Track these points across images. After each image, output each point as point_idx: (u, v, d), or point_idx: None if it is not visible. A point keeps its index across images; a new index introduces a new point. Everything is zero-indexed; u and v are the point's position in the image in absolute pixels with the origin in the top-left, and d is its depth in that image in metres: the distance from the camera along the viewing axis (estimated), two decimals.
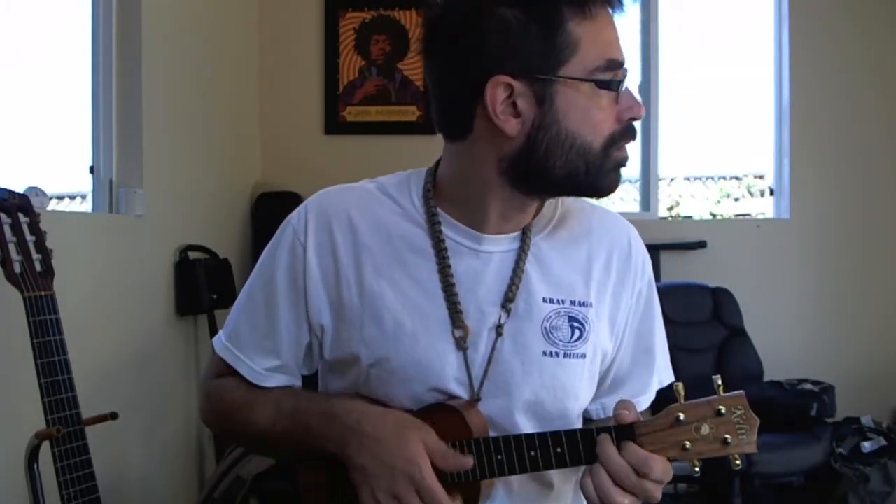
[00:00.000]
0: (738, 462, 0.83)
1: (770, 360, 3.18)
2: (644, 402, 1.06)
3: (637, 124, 0.93)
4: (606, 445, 0.84)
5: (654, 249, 3.40)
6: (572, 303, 0.97)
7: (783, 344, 3.38)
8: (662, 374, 1.07)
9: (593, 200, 1.04)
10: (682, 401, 0.85)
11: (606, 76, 0.87)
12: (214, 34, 2.97)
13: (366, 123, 3.50)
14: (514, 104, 0.87)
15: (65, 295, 1.49)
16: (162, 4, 2.45)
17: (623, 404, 0.88)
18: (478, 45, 0.87)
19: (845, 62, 3.52)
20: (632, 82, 0.91)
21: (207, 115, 2.89)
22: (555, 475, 1.00)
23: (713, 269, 3.41)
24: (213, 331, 2.71)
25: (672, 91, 3.66)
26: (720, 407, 0.83)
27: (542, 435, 0.88)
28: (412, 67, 3.51)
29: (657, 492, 0.85)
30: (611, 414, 0.96)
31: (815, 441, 2.71)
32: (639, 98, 0.91)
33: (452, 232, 0.96)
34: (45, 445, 1.41)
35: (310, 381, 1.07)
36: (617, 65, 0.88)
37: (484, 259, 0.96)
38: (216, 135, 2.99)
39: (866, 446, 2.97)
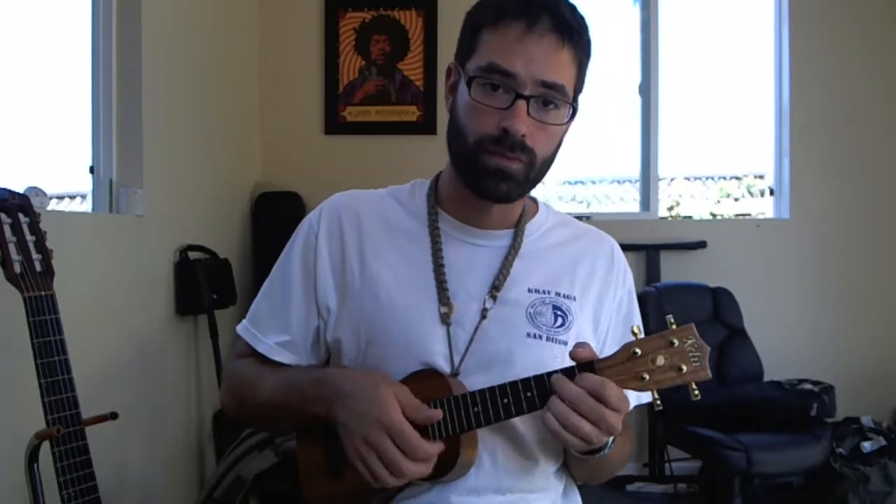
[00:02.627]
0: (696, 393, 0.87)
1: (770, 360, 3.18)
2: None
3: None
4: (562, 379, 0.90)
5: (654, 249, 3.40)
6: (557, 294, 1.07)
7: (783, 344, 3.39)
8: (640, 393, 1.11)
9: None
10: (639, 338, 0.91)
11: (482, 75, 0.97)
12: (214, 34, 2.97)
13: (366, 123, 3.51)
14: (453, 87, 1.06)
15: (65, 295, 1.49)
16: (162, 5, 2.45)
17: (580, 344, 0.93)
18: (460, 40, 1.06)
19: (845, 62, 3.52)
20: (532, 103, 0.97)
21: (207, 115, 2.89)
22: (538, 451, 1.04)
23: (713, 269, 3.41)
24: (214, 331, 2.72)
25: (672, 91, 3.66)
26: (672, 339, 0.88)
27: (512, 383, 0.93)
28: (412, 67, 3.51)
29: (615, 420, 0.89)
30: None
31: (815, 441, 2.71)
32: (525, 118, 0.96)
33: (447, 225, 1.09)
34: (45, 445, 1.40)
35: None
36: (497, 69, 0.96)
37: (475, 250, 1.08)
38: (216, 135, 2.99)
39: (866, 446, 2.97)
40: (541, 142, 1.00)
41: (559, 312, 1.05)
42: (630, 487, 3.31)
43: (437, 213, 1.09)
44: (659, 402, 0.90)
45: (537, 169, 1.02)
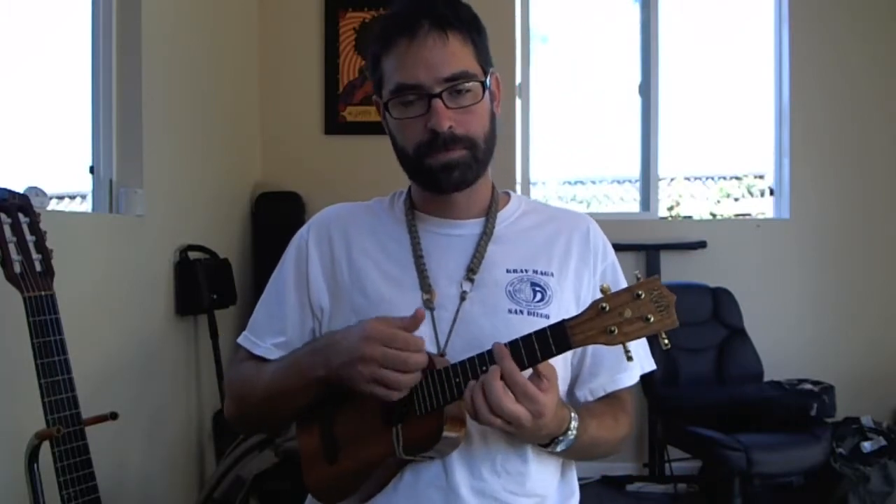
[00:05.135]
0: (666, 342, 0.90)
1: (770, 360, 3.18)
2: (625, 379, 1.14)
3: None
4: (493, 374, 0.92)
5: (654, 249, 3.40)
6: (534, 272, 1.11)
7: (783, 344, 3.39)
8: (643, 360, 1.16)
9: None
10: (607, 295, 0.92)
11: (394, 97, 1.06)
12: (214, 34, 2.97)
13: (366, 123, 3.50)
14: (384, 118, 1.13)
15: (65, 295, 1.49)
16: (162, 5, 2.45)
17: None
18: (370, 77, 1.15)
19: (845, 62, 3.52)
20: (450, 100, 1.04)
21: (207, 115, 2.89)
22: None
23: (713, 269, 3.41)
24: (214, 331, 2.72)
25: (672, 91, 3.66)
26: (639, 291, 0.89)
27: (489, 351, 0.95)
28: None
29: (516, 411, 0.91)
30: (599, 396, 1.14)
31: (815, 441, 2.71)
32: (445, 112, 1.03)
33: (423, 222, 1.16)
34: (45, 445, 1.40)
35: None
36: (403, 86, 1.05)
37: (451, 240, 1.14)
38: (216, 135, 2.99)
39: (866, 446, 2.97)
40: (470, 124, 1.06)
41: (537, 288, 1.10)
42: (630, 487, 3.31)
43: (414, 214, 1.17)
44: (631, 355, 0.92)
45: (482, 148, 1.08)
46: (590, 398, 1.14)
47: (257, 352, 1.16)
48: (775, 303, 3.49)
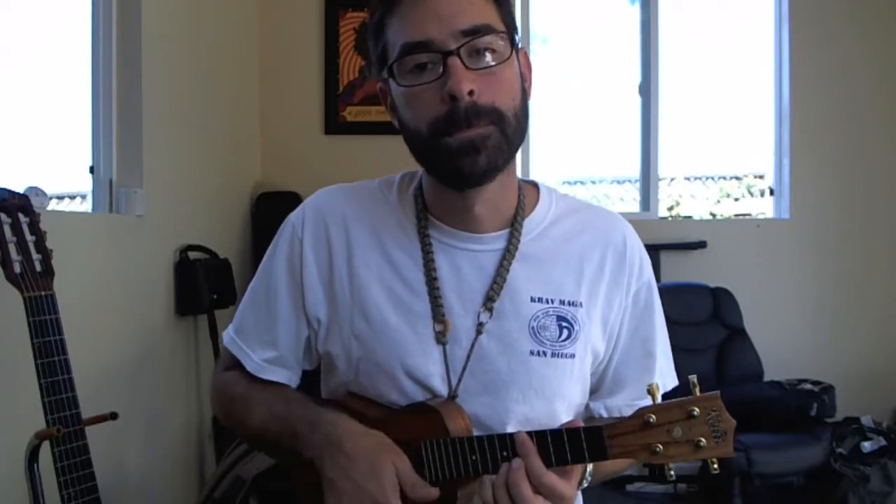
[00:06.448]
0: (715, 466, 0.79)
1: (770, 360, 3.18)
2: (644, 405, 1.05)
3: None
4: (518, 472, 0.83)
5: (654, 249, 3.40)
6: (561, 302, 0.96)
7: (783, 344, 3.39)
8: (666, 378, 1.04)
9: (590, 200, 1.03)
10: (656, 402, 0.80)
11: (401, 59, 0.87)
12: (214, 34, 2.97)
13: (366, 123, 3.51)
14: (392, 105, 0.95)
15: (65, 295, 1.49)
16: (162, 4, 2.45)
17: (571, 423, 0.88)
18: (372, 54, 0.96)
19: (845, 62, 3.52)
20: (469, 62, 0.86)
21: (207, 115, 2.89)
22: None
23: (713, 269, 3.41)
24: (213, 331, 2.71)
25: (672, 91, 3.66)
26: (693, 408, 0.77)
27: (511, 436, 0.85)
28: None
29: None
30: (615, 414, 1.02)
31: (815, 441, 2.71)
32: (465, 73, 0.84)
33: (437, 232, 0.98)
34: (45, 445, 1.40)
35: (309, 379, 1.09)
36: (411, 45, 0.86)
37: (469, 257, 0.97)
38: (216, 135, 2.99)
39: (866, 446, 2.97)
40: (497, 93, 0.87)
41: (564, 324, 0.95)
42: (630, 487, 3.31)
43: (427, 220, 0.98)
44: (672, 473, 0.81)
45: (512, 125, 0.88)
46: (604, 414, 1.03)
47: (248, 366, 1.02)
48: (775, 303, 3.49)
